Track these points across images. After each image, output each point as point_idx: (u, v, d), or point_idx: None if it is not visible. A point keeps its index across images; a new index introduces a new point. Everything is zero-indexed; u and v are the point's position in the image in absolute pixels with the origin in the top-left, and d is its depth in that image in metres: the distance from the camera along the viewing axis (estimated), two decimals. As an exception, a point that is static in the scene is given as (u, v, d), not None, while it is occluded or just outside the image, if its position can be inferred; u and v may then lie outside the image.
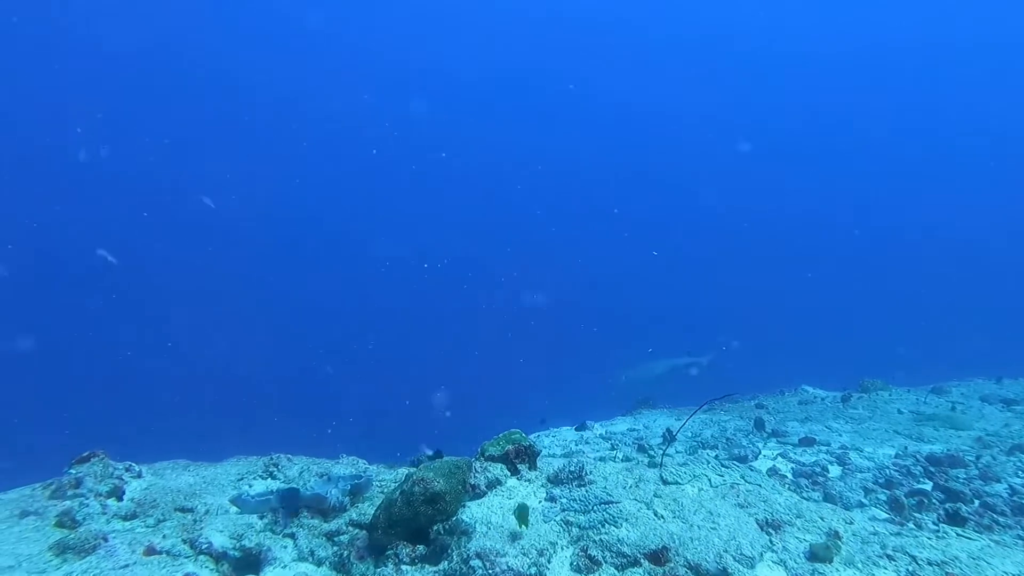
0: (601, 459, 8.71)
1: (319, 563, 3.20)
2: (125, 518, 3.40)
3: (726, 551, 2.97)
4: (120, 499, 3.64)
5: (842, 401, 9.91)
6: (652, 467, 8.45)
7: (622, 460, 8.73)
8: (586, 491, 3.65)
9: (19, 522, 3.26)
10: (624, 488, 3.73)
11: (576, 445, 9.93)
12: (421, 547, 3.28)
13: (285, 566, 3.16)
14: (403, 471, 4.38)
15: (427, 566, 3.17)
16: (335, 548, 3.28)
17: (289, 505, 3.61)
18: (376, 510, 3.46)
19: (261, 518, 3.53)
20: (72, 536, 2.95)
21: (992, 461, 5.96)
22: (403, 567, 3.17)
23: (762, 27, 42.42)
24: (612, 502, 3.48)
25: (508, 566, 3.00)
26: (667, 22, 42.69)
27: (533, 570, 3.01)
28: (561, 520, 3.41)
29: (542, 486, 3.82)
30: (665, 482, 3.91)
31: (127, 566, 2.80)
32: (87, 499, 3.47)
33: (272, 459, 4.41)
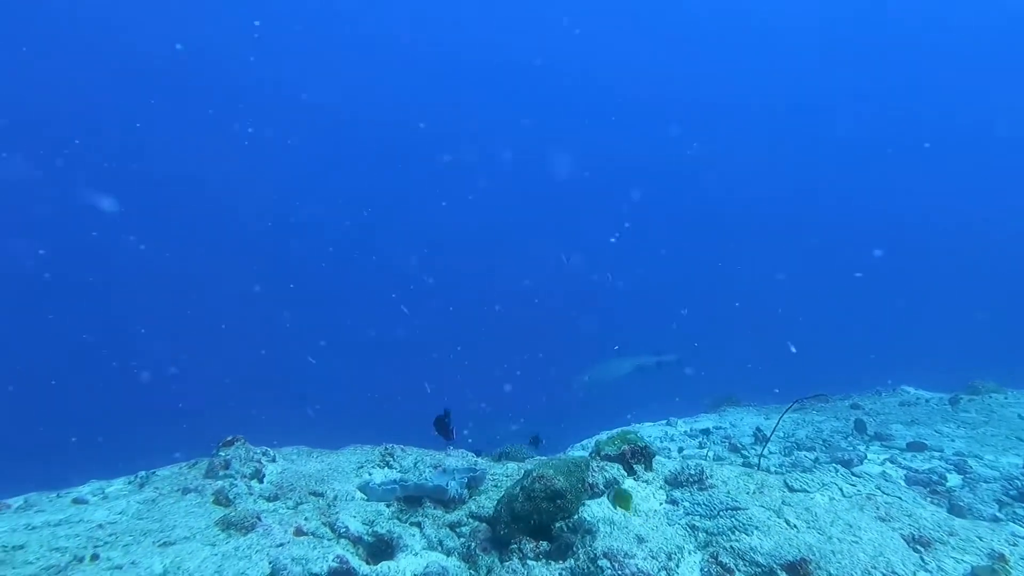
0: (689, 455, 8.54)
1: (448, 553, 3.32)
2: (269, 499, 3.66)
3: (874, 567, 2.82)
4: (261, 481, 3.92)
5: (950, 403, 9.19)
6: (748, 467, 8.19)
7: (714, 459, 8.51)
8: (709, 495, 3.57)
9: (183, 498, 3.58)
10: (748, 494, 3.63)
11: (661, 442, 9.77)
12: (545, 543, 3.33)
13: (416, 553, 3.30)
14: (512, 466, 4.46)
15: (553, 562, 3.21)
16: (462, 540, 3.39)
17: (413, 495, 3.76)
18: (497, 504, 3.54)
19: (388, 506, 3.70)
20: (232, 514, 3.20)
21: None
22: (529, 562, 3.23)
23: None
24: (739, 508, 3.39)
25: (638, 568, 2.99)
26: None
27: (663, 574, 2.98)
28: (686, 524, 3.36)
29: (660, 488, 3.78)
30: (791, 489, 3.77)
31: (282, 545, 3.01)
32: (235, 480, 3.77)
33: (387, 449, 4.60)
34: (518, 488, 3.52)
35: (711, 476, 3.80)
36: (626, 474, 3.85)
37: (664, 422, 11.50)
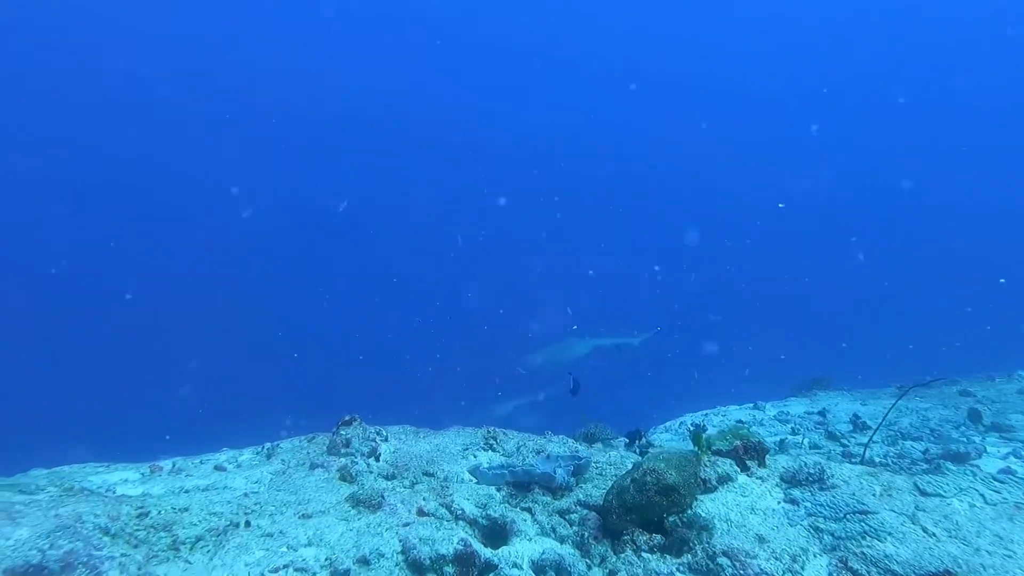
0: (780, 441, 8.20)
1: (561, 540, 3.38)
2: (387, 478, 3.88)
3: (1033, 587, 2.61)
4: (377, 459, 4.16)
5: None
6: (846, 457, 7.76)
7: (810, 447, 8.12)
8: (832, 496, 3.41)
9: (311, 472, 3.87)
10: (874, 496, 3.44)
11: (749, 427, 9.44)
12: (658, 536, 3.32)
13: (531, 539, 3.39)
14: (615, 454, 4.47)
15: (668, 556, 3.20)
16: (575, 528, 3.44)
17: (521, 480, 3.85)
18: (607, 494, 3.56)
19: (498, 490, 3.81)
20: (360, 491, 3.42)
21: None
22: (643, 554, 3.24)
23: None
24: (868, 512, 3.22)
25: (760, 568, 2.92)
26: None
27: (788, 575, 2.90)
28: (809, 525, 3.24)
29: (776, 485, 3.66)
30: (923, 493, 3.53)
31: (408, 524, 3.19)
32: (356, 458, 4.02)
33: (490, 432, 4.74)
34: (628, 480, 3.51)
35: (832, 475, 3.62)
36: (739, 470, 3.75)
37: (751, 405, 11.06)
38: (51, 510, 2.97)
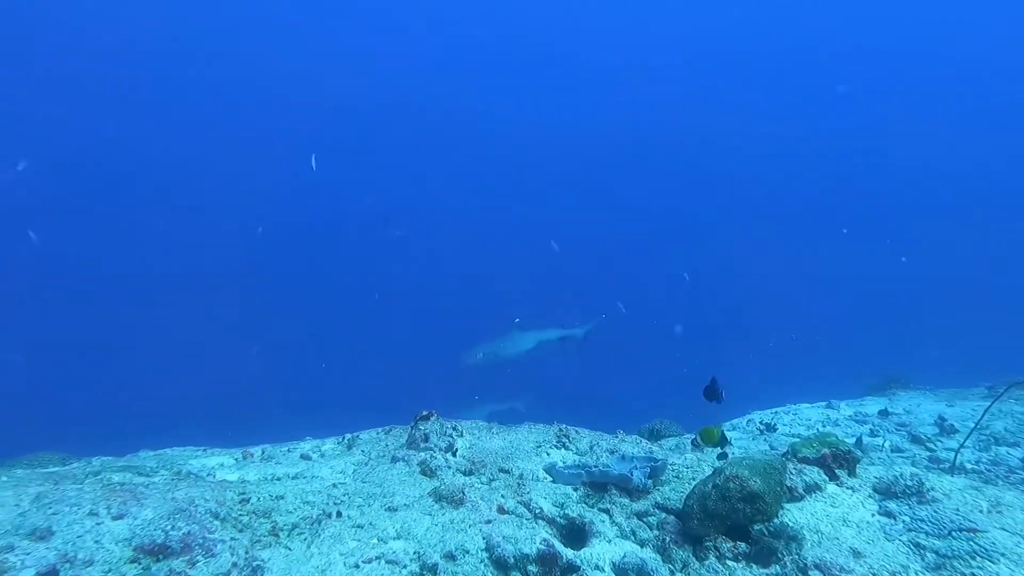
0: (858, 440, 7.79)
1: (642, 544, 3.36)
2: (465, 473, 3.98)
3: None
4: (454, 455, 4.27)
5: None
6: (933, 463, 7.29)
7: (891, 451, 7.69)
8: (933, 511, 3.23)
9: (393, 466, 4.02)
10: (981, 512, 3.22)
11: (823, 427, 9.03)
12: (743, 545, 3.25)
13: (610, 541, 3.39)
14: (691, 457, 4.39)
15: (755, 566, 3.12)
16: (655, 532, 3.41)
17: (598, 481, 3.86)
18: (688, 499, 3.50)
19: (575, 490, 3.83)
20: (442, 487, 3.53)
21: None
22: (728, 562, 3.18)
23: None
24: (976, 530, 3.03)
25: (857, 585, 2.80)
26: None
27: (888, 595, 2.77)
28: (909, 541, 3.07)
29: (869, 496, 3.49)
30: (1038, 513, 3.28)
31: (490, 522, 3.26)
32: (434, 452, 4.14)
33: (562, 430, 4.76)
34: (710, 485, 3.45)
35: (932, 488, 3.42)
36: (827, 479, 3.61)
37: (824, 404, 10.57)
38: (168, 493, 3.23)
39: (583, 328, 10.56)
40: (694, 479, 4.05)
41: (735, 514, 3.33)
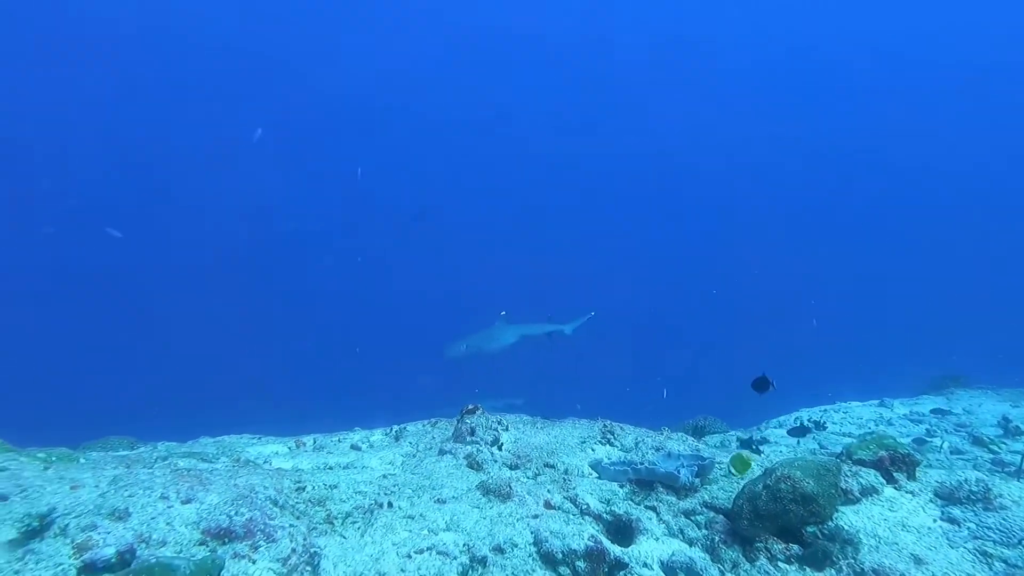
0: (915, 441, 7.47)
1: (690, 543, 3.34)
2: (511, 467, 4.03)
3: None
4: (500, 448, 4.32)
5: None
6: (997, 465, 6.94)
7: (950, 452, 7.36)
8: (1001, 518, 3.08)
9: (441, 458, 4.11)
10: (1054, 523, 3.06)
11: (875, 425, 8.71)
12: (796, 546, 3.19)
13: (658, 539, 3.37)
14: (744, 454, 4.31)
15: (808, 568, 3.06)
16: (704, 531, 3.38)
17: (644, 478, 3.84)
18: (737, 499, 3.45)
19: (621, 487, 3.83)
20: (489, 481, 3.59)
21: None
22: (780, 564, 3.12)
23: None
24: (1049, 541, 2.88)
25: (919, 593, 2.71)
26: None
27: (952, 604, 2.67)
28: (975, 549, 2.95)
29: (930, 502, 3.36)
30: (1120, 525, 3.09)
31: (538, 516, 3.29)
32: (481, 446, 4.20)
33: (607, 426, 4.75)
34: (760, 486, 3.39)
35: (1000, 494, 3.27)
36: (885, 482, 3.49)
37: (876, 402, 10.19)
38: (230, 480, 3.39)
39: (571, 324, 10.26)
40: (742, 478, 3.99)
41: (787, 515, 3.26)
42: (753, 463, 3.97)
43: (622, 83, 40.13)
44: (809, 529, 3.19)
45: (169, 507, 3.02)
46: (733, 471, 3.91)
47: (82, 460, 3.85)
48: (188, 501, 3.09)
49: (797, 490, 3.26)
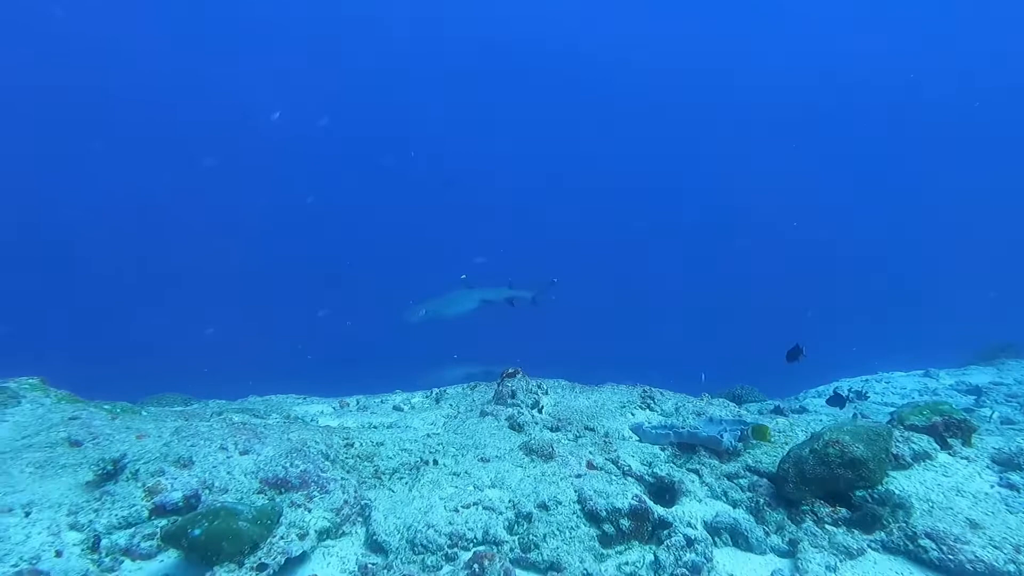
0: (965, 411, 7.26)
1: (734, 504, 3.34)
2: (552, 429, 4.07)
3: None
4: (540, 411, 4.37)
5: None
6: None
7: (1000, 423, 7.13)
8: (1064, 487, 2.98)
9: (482, 419, 4.18)
10: (1122, 493, 2.94)
11: (919, 396, 8.47)
12: (844, 510, 3.15)
13: (700, 500, 3.38)
14: (783, 421, 4.27)
15: (856, 531, 3.03)
16: (747, 493, 3.37)
17: (686, 442, 3.83)
18: (783, 463, 3.42)
19: (662, 450, 3.83)
20: (532, 441, 3.64)
21: None
22: (827, 527, 3.10)
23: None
24: (1117, 510, 2.78)
25: (975, 555, 2.66)
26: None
27: (1011, 568, 2.61)
28: (1035, 517, 2.87)
29: (987, 467, 3.27)
30: None
31: (580, 476, 3.33)
32: (521, 408, 4.26)
33: (647, 391, 4.75)
34: (807, 450, 3.34)
35: (1063, 464, 3.15)
36: (938, 448, 3.40)
37: (921, 372, 9.89)
38: (283, 434, 3.52)
39: (531, 291, 10.04)
40: (786, 444, 3.94)
41: (835, 480, 3.22)
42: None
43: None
44: (858, 493, 3.15)
45: (228, 457, 3.16)
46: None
47: (144, 413, 4.05)
48: (246, 452, 3.23)
49: (846, 454, 3.21)
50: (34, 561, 2.35)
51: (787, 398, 8.93)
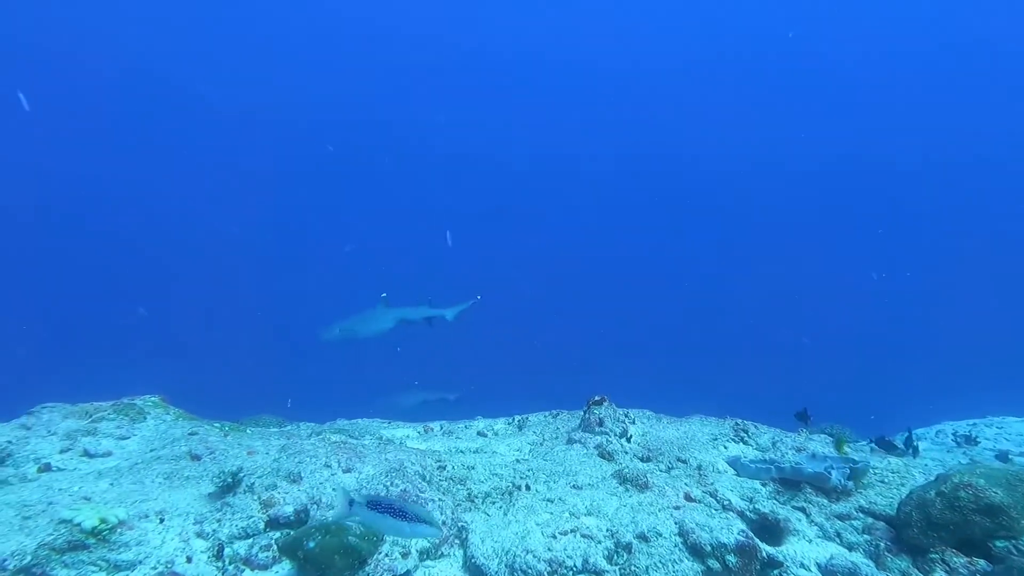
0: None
1: (850, 548, 3.10)
2: (642, 460, 3.97)
3: None
4: (628, 440, 4.27)
5: None
6: None
7: None
8: None
9: (570, 447, 4.14)
10: None
11: None
12: (982, 562, 2.85)
13: (810, 541, 3.17)
14: (896, 461, 3.94)
15: (999, 587, 2.72)
16: (865, 536, 3.12)
17: (789, 478, 3.62)
18: (903, 505, 3.15)
19: (763, 485, 3.64)
20: (625, 470, 3.56)
21: None
22: (962, 579, 2.81)
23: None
24: None
25: None
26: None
27: None
28: None
29: None
30: None
31: (679, 508, 3.21)
32: (610, 437, 4.18)
33: (740, 424, 4.54)
34: (933, 493, 3.07)
35: None
36: (1093, 497, 3.02)
37: (1027, 417, 8.89)
38: (380, 454, 3.63)
39: (454, 309, 9.72)
40: (903, 485, 3.64)
41: (969, 527, 2.93)
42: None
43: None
44: (999, 544, 2.84)
45: (333, 474, 3.29)
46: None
47: (248, 431, 4.29)
48: (348, 470, 3.35)
49: (981, 499, 2.92)
50: (169, 564, 2.52)
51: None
